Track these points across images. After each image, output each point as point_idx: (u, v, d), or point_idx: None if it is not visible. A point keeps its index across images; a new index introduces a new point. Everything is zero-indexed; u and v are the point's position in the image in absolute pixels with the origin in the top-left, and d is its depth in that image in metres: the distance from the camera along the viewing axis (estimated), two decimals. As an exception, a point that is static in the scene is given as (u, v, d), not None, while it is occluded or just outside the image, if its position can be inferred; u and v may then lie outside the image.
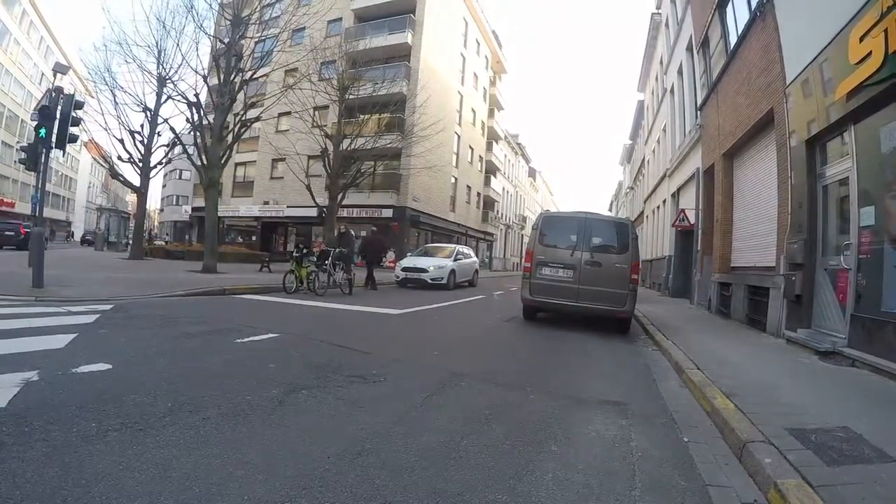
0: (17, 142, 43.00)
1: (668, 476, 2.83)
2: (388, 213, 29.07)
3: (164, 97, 21.40)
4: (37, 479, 2.16)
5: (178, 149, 21.69)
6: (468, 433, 3.22)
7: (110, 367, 3.98)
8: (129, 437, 2.68)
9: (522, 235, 60.77)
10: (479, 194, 44.21)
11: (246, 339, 5.74)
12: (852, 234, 6.49)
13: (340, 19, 31.32)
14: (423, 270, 16.93)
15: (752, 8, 10.18)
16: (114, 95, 20.87)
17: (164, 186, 63.00)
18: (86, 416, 2.91)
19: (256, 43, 19.40)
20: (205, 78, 18.40)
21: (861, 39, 5.85)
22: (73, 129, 9.49)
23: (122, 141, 21.33)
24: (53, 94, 9.25)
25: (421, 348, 6.29)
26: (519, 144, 60.50)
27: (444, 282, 16.89)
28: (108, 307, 7.41)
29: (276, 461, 2.55)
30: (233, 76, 17.73)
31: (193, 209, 39.18)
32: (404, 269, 17.41)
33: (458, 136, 37.05)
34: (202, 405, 3.28)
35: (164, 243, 38.57)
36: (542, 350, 7.00)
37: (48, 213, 59.00)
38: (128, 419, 2.92)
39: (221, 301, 9.80)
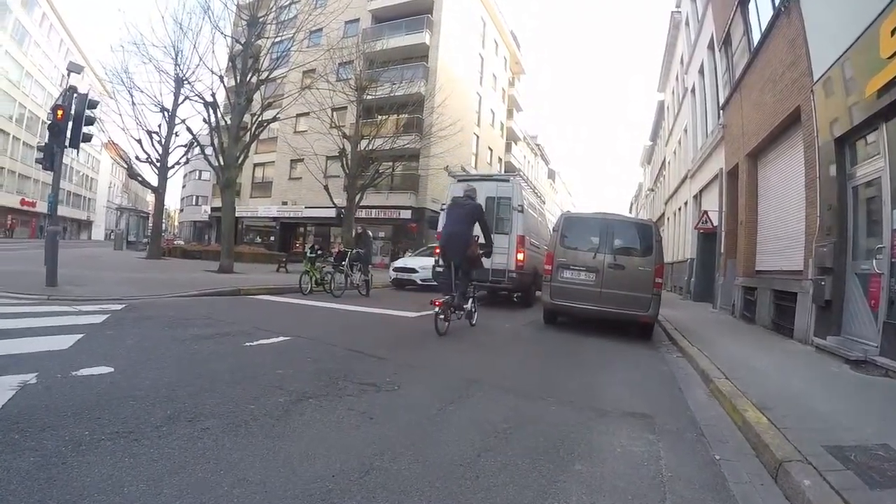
0: (38, 142, 43.70)
1: (701, 499, 2.60)
2: (406, 214, 28.92)
3: (181, 97, 21.52)
4: (21, 492, 2.03)
5: (195, 149, 21.80)
6: (485, 449, 3.01)
7: (112, 370, 3.85)
8: (121, 447, 2.53)
9: (540, 237, 60.30)
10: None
11: (256, 343, 5.60)
12: (885, 238, 6.17)
13: (358, 20, 31.33)
14: (413, 271, 16.16)
15: (776, 3, 9.87)
16: (131, 96, 21.11)
17: (183, 187, 63.72)
18: (80, 423, 2.77)
19: (273, 43, 19.41)
20: (221, 78, 18.46)
21: (892, 34, 5.57)
22: (87, 129, 9.47)
23: (139, 141, 21.60)
24: (67, 93, 9.23)
25: (436, 353, 6.10)
26: (538, 145, 60.12)
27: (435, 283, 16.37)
28: (119, 307, 7.33)
29: (275, 479, 2.37)
30: (249, 76, 17.75)
31: (212, 209, 39.38)
32: (395, 270, 16.96)
33: (477, 137, 36.81)
34: (202, 414, 3.12)
35: (182, 242, 38.92)
36: (561, 356, 6.76)
37: (69, 212, 60.09)
38: (123, 427, 2.78)
39: (236, 302, 9.70)
